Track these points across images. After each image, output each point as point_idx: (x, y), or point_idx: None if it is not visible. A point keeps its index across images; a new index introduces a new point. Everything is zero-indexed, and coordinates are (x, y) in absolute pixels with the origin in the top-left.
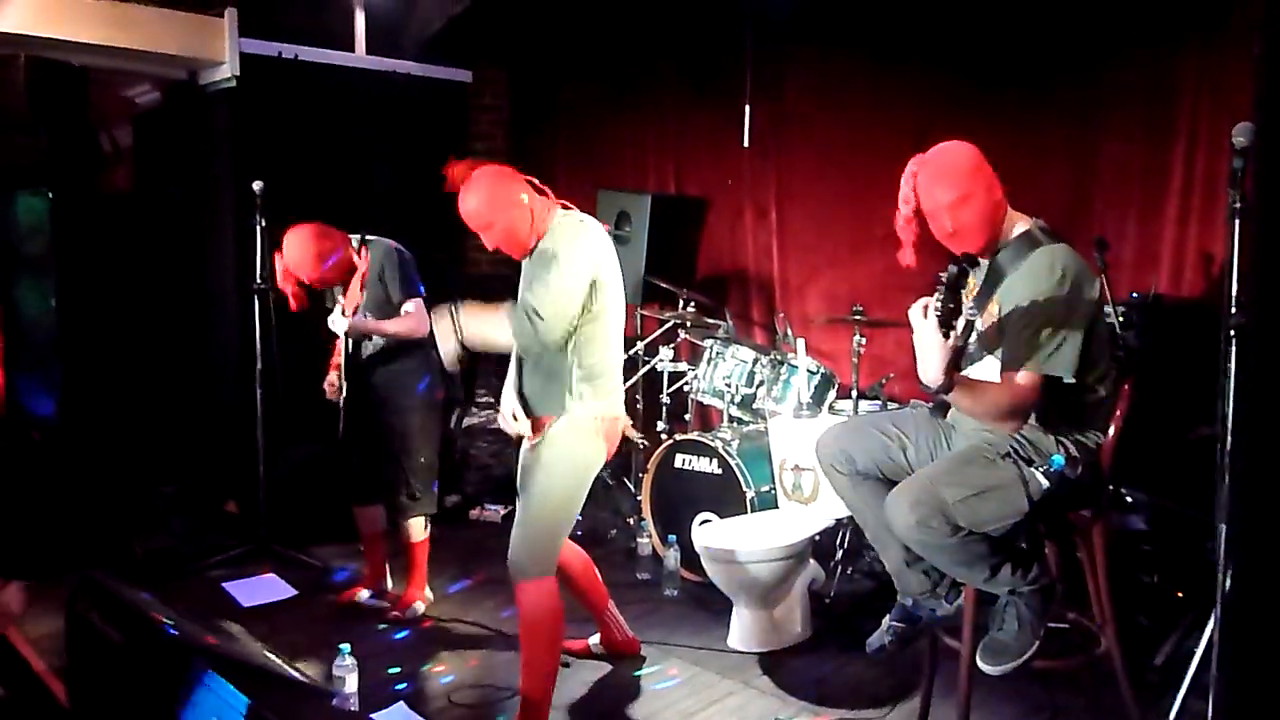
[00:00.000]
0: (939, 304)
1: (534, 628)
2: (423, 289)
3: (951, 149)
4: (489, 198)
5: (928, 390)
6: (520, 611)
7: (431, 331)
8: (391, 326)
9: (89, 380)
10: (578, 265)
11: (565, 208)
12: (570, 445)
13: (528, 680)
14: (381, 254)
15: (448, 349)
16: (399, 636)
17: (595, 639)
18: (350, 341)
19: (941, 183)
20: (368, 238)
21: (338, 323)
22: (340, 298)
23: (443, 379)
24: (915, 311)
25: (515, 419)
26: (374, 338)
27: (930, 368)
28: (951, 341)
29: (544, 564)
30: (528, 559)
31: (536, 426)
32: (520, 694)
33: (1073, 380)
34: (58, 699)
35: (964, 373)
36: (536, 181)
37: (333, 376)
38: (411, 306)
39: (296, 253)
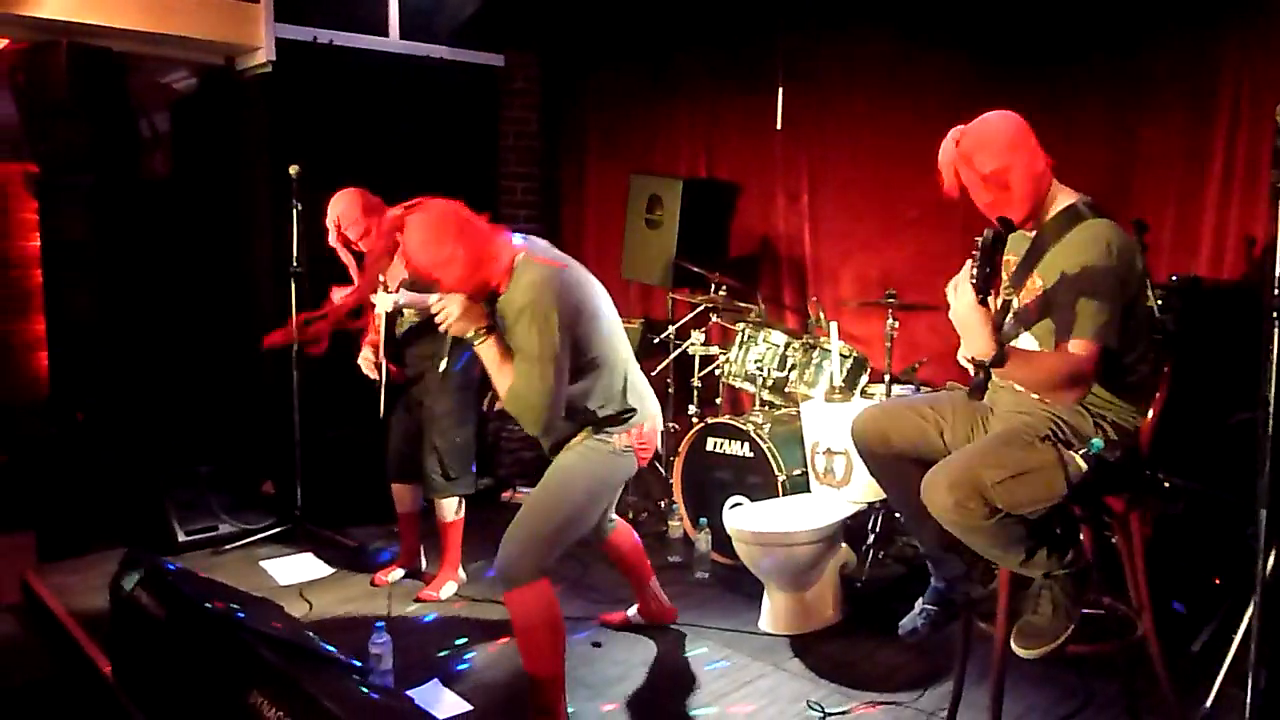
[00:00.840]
0: (974, 270)
1: (535, 636)
2: None
3: (993, 119)
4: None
5: (980, 365)
6: (516, 622)
7: None
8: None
9: (130, 362)
10: (554, 331)
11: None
12: (595, 461)
13: (539, 693)
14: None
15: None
16: (431, 617)
17: (633, 610)
18: (387, 319)
19: (981, 153)
20: None
21: (381, 300)
22: (383, 277)
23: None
24: (951, 289)
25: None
26: (405, 314)
27: (977, 340)
28: (992, 309)
29: (541, 568)
30: (524, 562)
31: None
32: (530, 704)
33: (1118, 350)
34: (103, 673)
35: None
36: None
37: (368, 353)
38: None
39: (344, 205)
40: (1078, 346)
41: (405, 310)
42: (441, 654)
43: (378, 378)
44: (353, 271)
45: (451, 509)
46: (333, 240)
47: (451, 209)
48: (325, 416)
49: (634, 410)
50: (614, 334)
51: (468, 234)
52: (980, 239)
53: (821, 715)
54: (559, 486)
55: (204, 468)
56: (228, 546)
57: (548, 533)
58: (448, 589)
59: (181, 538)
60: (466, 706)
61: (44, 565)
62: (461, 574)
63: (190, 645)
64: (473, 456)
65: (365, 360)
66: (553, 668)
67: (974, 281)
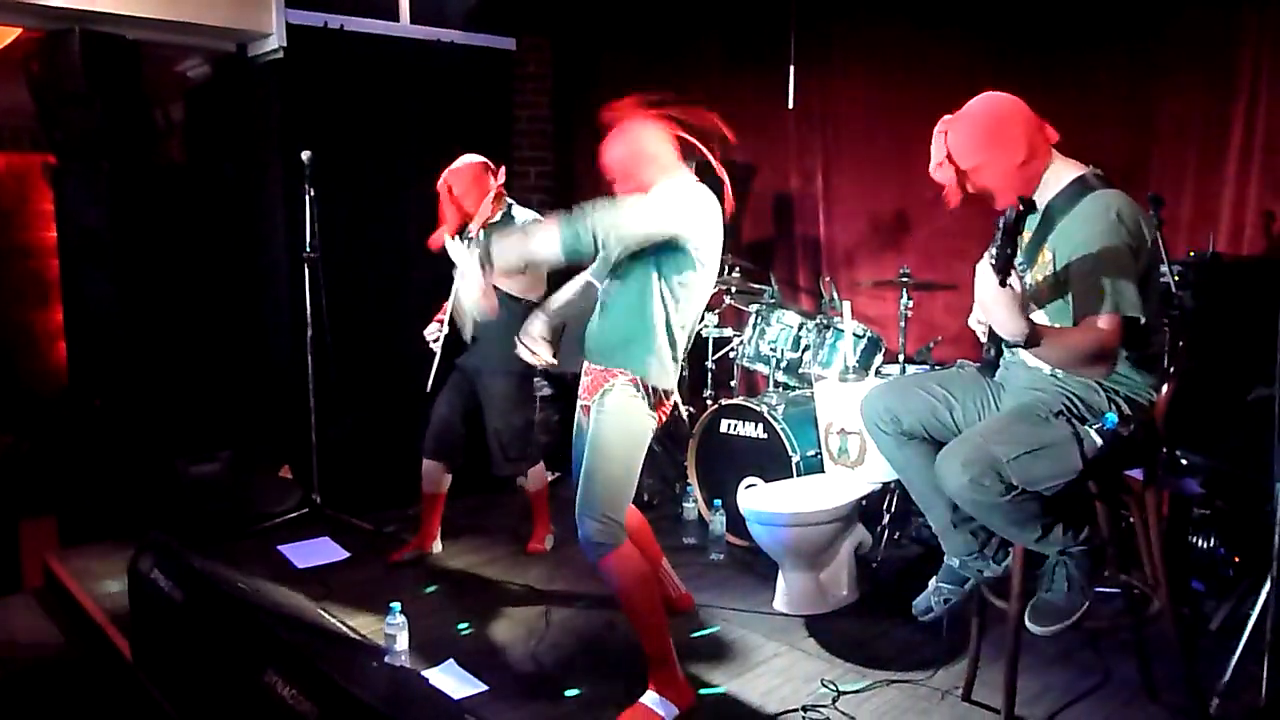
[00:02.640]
0: (995, 250)
1: (632, 596)
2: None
3: (972, 112)
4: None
5: (996, 340)
6: (617, 584)
7: (543, 298)
8: (514, 281)
9: (147, 349)
10: (669, 210)
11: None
12: (629, 415)
13: (648, 643)
14: (522, 219)
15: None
16: (448, 596)
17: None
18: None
19: (958, 149)
20: (516, 207)
21: (453, 247)
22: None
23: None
24: (979, 269)
25: (534, 350)
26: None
27: (1007, 321)
28: (1017, 288)
29: (617, 533)
30: (601, 533)
31: (596, 383)
32: (647, 656)
33: (1143, 321)
34: (122, 654)
35: None
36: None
37: (434, 327)
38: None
39: (458, 169)
40: (1102, 320)
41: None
42: (458, 634)
43: (437, 350)
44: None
45: (536, 478)
46: (444, 201)
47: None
48: (341, 401)
49: (675, 367)
50: (705, 288)
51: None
52: (1002, 219)
53: (836, 694)
54: (610, 450)
55: (222, 453)
56: (246, 531)
57: (611, 493)
58: (547, 542)
59: (200, 522)
60: (482, 686)
61: (65, 549)
62: (552, 535)
63: (207, 626)
64: (533, 436)
65: (430, 332)
66: (658, 619)
67: (993, 263)
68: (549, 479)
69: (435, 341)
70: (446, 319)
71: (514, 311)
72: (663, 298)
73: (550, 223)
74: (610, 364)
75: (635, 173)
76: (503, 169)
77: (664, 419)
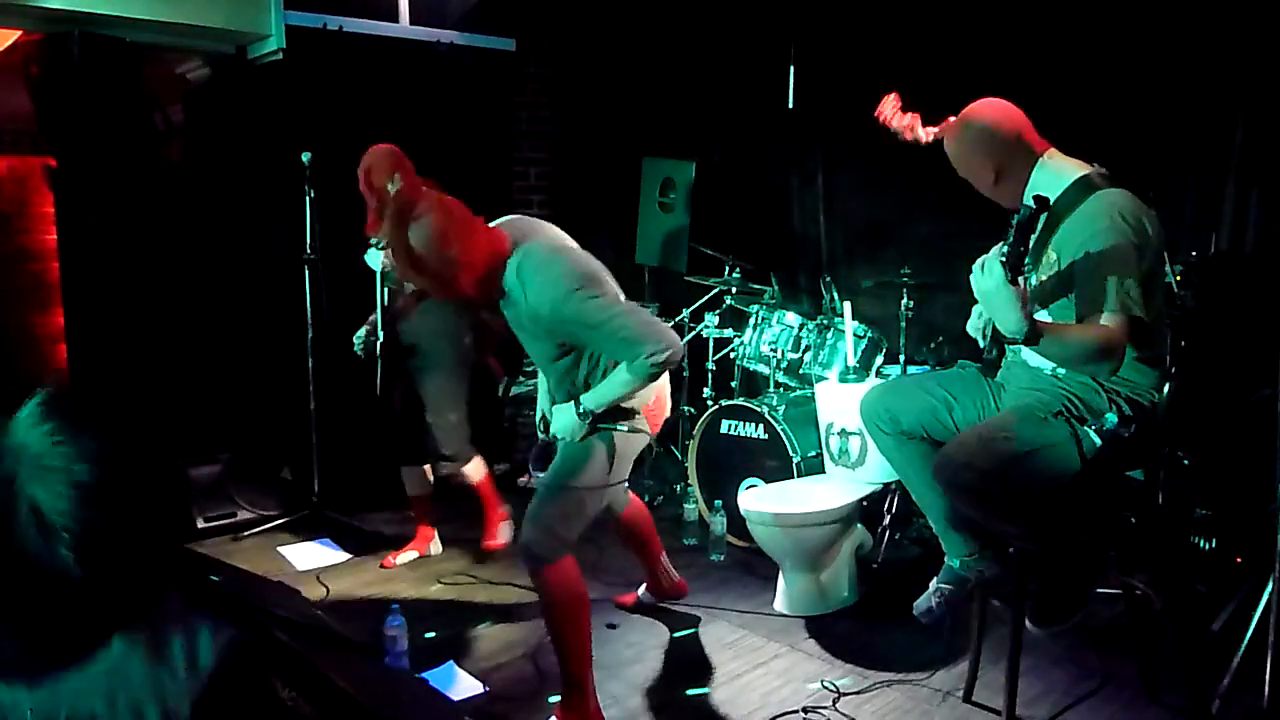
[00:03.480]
0: (1007, 248)
1: (563, 611)
2: None
3: (952, 132)
4: None
5: (998, 341)
6: (545, 598)
7: None
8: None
9: (147, 350)
10: (599, 288)
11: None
12: (609, 437)
13: (566, 665)
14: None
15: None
16: (447, 598)
17: (643, 589)
18: (387, 291)
19: (955, 162)
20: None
21: (373, 257)
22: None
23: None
24: (977, 268)
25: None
26: (406, 287)
27: (1009, 318)
28: (1022, 286)
29: (566, 545)
30: (547, 541)
31: None
32: (561, 675)
33: (1147, 320)
34: None
35: None
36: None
37: (361, 332)
38: None
39: (379, 156)
40: (1108, 319)
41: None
42: (456, 636)
43: (376, 355)
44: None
45: (474, 471)
46: (362, 186)
47: (459, 214)
48: (341, 403)
49: (637, 399)
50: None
51: (469, 239)
52: (1016, 217)
53: (836, 695)
54: (577, 464)
55: (222, 455)
56: (246, 533)
57: (569, 510)
58: (502, 532)
59: (200, 524)
60: (481, 688)
61: None
62: (507, 522)
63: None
64: (466, 431)
65: (358, 337)
66: (580, 642)
67: (1004, 260)
68: (496, 471)
69: (362, 348)
70: (378, 324)
71: (443, 308)
72: (580, 363)
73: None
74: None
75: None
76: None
77: (656, 424)
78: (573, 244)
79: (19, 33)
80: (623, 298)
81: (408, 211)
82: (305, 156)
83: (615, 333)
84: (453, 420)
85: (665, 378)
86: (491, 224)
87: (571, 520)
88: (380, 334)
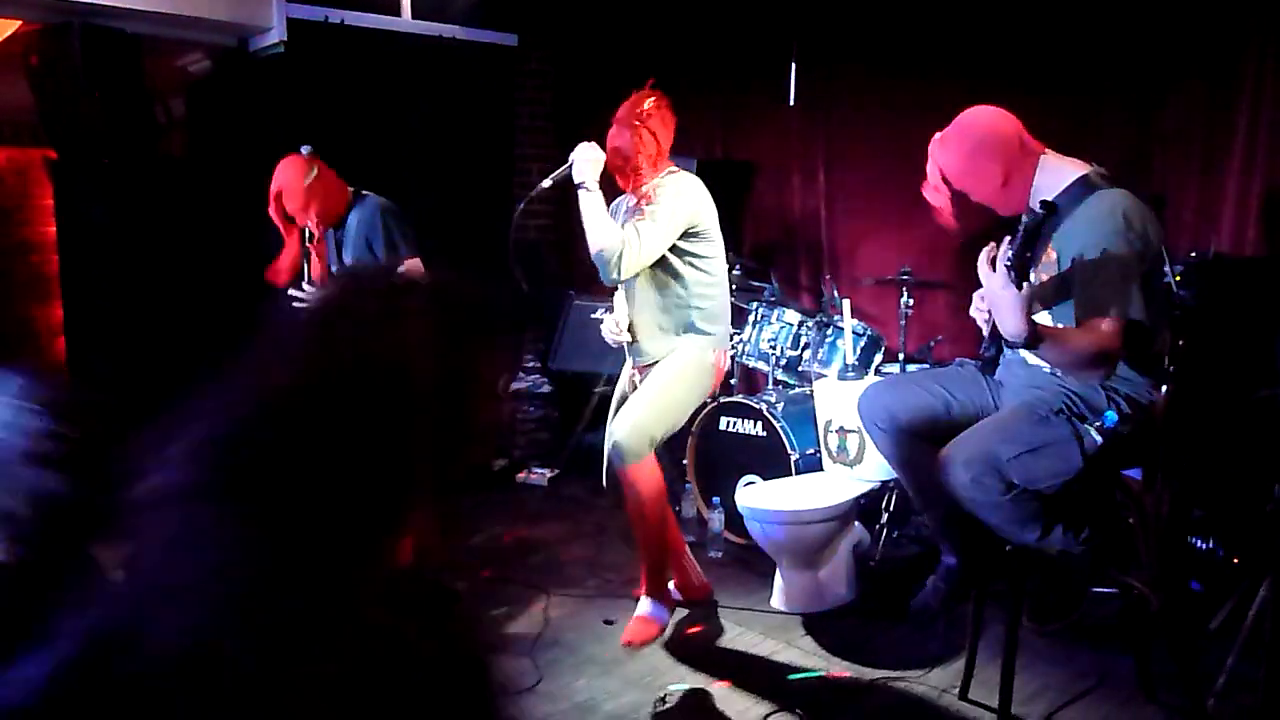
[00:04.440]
0: (1012, 252)
1: (645, 505)
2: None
3: (952, 138)
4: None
5: (997, 339)
6: (629, 494)
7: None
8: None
9: (147, 343)
10: (679, 212)
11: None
12: (692, 361)
13: (647, 553)
14: (369, 213)
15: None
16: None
17: (671, 584)
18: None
19: (949, 172)
20: (361, 192)
21: (303, 293)
22: (309, 263)
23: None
24: (983, 262)
25: (618, 329)
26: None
27: (1010, 321)
28: (1026, 290)
29: (647, 451)
30: (635, 444)
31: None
32: (642, 565)
33: (1147, 324)
34: None
35: None
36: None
37: None
38: (414, 266)
39: (288, 175)
40: (1104, 323)
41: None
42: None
43: None
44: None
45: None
46: (270, 209)
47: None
48: None
49: (724, 326)
50: (722, 259)
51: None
52: (1023, 222)
53: (832, 692)
54: (665, 379)
55: None
56: None
57: (652, 418)
58: None
59: None
60: None
61: None
62: None
63: None
64: None
65: None
66: (661, 532)
67: (1008, 264)
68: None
69: None
70: None
71: None
72: (686, 277)
73: (614, 226)
74: (672, 338)
75: (635, 165)
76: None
77: (718, 380)
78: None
79: (19, 23)
80: None
81: None
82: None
83: (640, 226)
84: None
85: (725, 335)
86: None
87: (660, 428)
88: None
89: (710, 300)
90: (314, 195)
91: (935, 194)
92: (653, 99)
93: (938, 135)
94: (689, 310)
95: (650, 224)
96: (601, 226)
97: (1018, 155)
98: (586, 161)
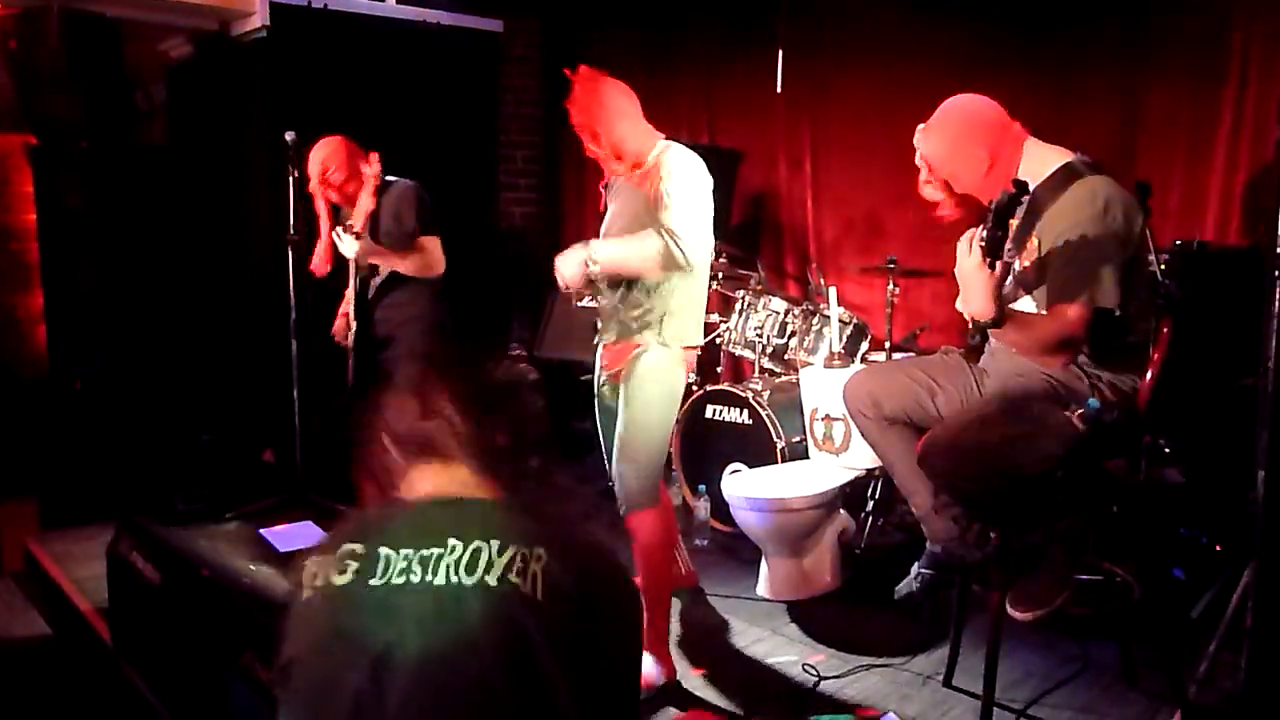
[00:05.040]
0: (985, 233)
1: (651, 553)
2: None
3: (937, 125)
4: (601, 105)
5: (976, 325)
6: (637, 540)
7: (442, 277)
8: (403, 261)
9: (129, 331)
10: (702, 188)
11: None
12: (661, 376)
13: (650, 600)
14: (399, 191)
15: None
16: None
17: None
18: (358, 279)
19: (934, 160)
20: (387, 178)
21: (346, 243)
22: (349, 220)
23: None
24: (962, 244)
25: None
26: (380, 273)
27: (976, 300)
28: (997, 272)
29: (654, 491)
30: (639, 490)
31: (621, 353)
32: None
33: (1118, 312)
34: (102, 638)
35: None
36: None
37: (340, 324)
38: (427, 243)
39: (329, 149)
40: (1071, 310)
41: (368, 260)
42: None
43: (349, 345)
44: (324, 224)
45: None
46: (313, 186)
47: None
48: (325, 385)
49: (694, 334)
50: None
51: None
52: (994, 202)
53: (817, 679)
54: (645, 410)
55: (205, 436)
56: (228, 515)
57: (655, 455)
58: None
59: (182, 506)
60: None
61: (46, 533)
62: None
63: (185, 608)
64: None
65: (337, 331)
66: (666, 583)
67: (983, 245)
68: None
69: (344, 339)
70: (354, 313)
71: (420, 292)
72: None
73: (639, 239)
74: (635, 336)
75: (622, 136)
76: (374, 155)
77: (690, 371)
78: None
79: None
80: None
81: None
82: (289, 136)
83: (667, 215)
84: None
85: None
86: None
87: (658, 460)
88: (354, 324)
89: (681, 297)
90: (363, 184)
91: (932, 190)
92: (583, 70)
93: (921, 126)
94: (660, 303)
95: (675, 212)
96: (634, 252)
97: (1002, 141)
98: (574, 264)
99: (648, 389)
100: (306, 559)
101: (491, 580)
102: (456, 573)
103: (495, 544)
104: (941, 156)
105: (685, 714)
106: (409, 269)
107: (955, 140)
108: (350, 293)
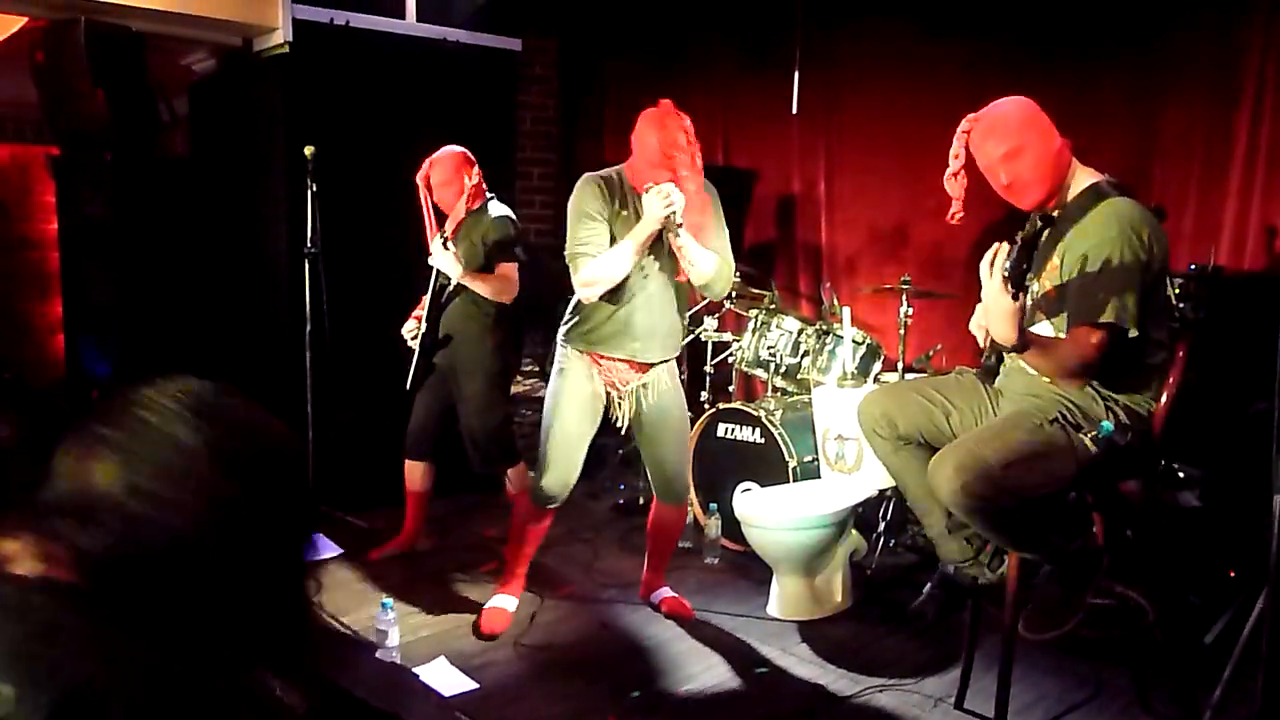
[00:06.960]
0: (1009, 264)
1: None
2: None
3: (1005, 103)
4: None
5: (992, 346)
6: (682, 524)
7: (517, 301)
8: (483, 285)
9: (145, 340)
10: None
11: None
12: (680, 391)
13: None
14: (493, 215)
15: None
16: (440, 593)
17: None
18: (437, 284)
19: (993, 136)
20: (489, 196)
21: (440, 256)
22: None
23: (514, 346)
24: (984, 265)
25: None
26: (456, 285)
27: (1001, 328)
28: (1021, 302)
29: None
30: (689, 482)
31: (643, 368)
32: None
33: (1136, 334)
34: None
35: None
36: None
37: (411, 325)
38: (507, 270)
39: (442, 153)
40: (1087, 333)
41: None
42: (448, 631)
43: (415, 347)
44: (427, 222)
45: (516, 479)
46: (423, 187)
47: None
48: (338, 398)
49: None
50: None
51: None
52: (1022, 232)
53: (828, 700)
54: (682, 413)
55: None
56: None
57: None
58: None
59: None
60: (472, 685)
61: None
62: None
63: None
64: (510, 437)
65: (408, 330)
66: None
67: (1006, 274)
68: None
69: (413, 339)
70: (425, 316)
71: (487, 313)
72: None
73: (709, 254)
74: (664, 354)
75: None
76: (475, 168)
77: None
78: None
79: (25, 19)
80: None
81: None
82: (309, 150)
83: (719, 245)
84: (492, 425)
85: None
86: None
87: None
88: (424, 325)
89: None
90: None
91: (955, 184)
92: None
93: (973, 116)
94: (675, 320)
95: (724, 236)
96: (706, 255)
97: (1057, 143)
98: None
99: (675, 391)
100: None
101: None
102: None
103: None
104: (1012, 129)
105: None
106: (486, 291)
107: (1031, 115)
108: (427, 297)
